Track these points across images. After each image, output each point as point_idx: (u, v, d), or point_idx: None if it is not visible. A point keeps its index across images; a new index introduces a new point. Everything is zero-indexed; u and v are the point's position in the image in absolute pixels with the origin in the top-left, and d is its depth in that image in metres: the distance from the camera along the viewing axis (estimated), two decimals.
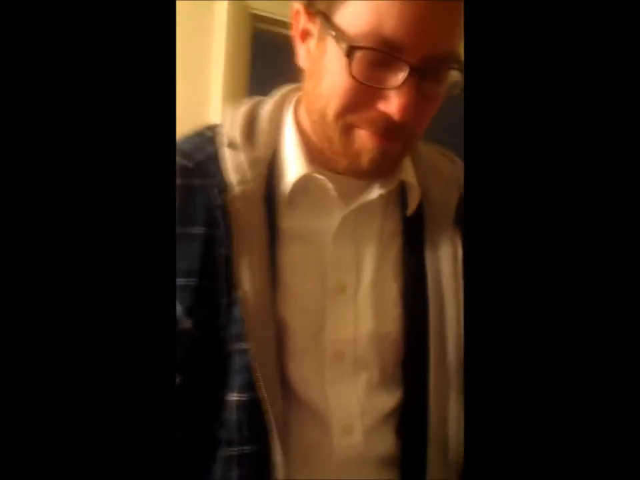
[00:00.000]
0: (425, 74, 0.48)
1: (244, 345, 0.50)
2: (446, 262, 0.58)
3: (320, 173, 0.55)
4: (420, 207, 0.59)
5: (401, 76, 0.48)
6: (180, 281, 0.50)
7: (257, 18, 1.24)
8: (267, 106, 0.59)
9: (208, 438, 0.52)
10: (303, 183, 0.55)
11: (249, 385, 0.50)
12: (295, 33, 0.55)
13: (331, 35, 0.49)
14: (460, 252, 0.58)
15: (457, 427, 0.57)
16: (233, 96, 1.16)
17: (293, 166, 0.56)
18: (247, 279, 0.51)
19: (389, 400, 0.57)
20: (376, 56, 0.48)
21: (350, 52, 0.48)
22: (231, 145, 0.55)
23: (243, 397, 0.51)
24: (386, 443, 0.57)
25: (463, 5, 0.47)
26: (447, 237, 0.59)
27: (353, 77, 0.48)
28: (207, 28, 1.17)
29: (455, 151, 0.65)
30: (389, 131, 0.50)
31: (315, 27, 0.52)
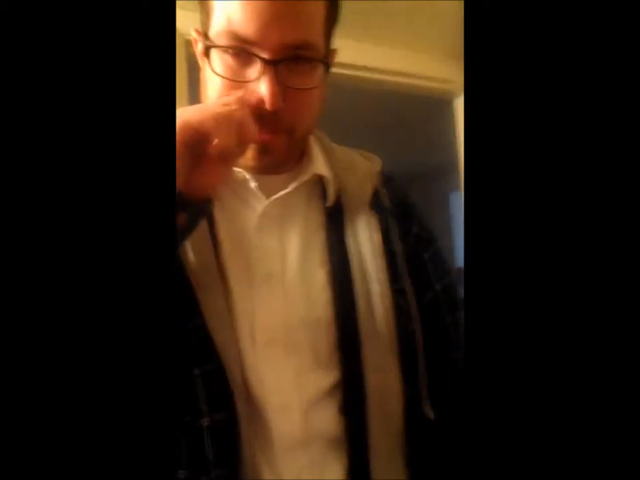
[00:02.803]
0: (283, 65, 0.53)
1: (199, 320, 0.55)
2: (366, 245, 0.63)
3: (239, 168, 0.61)
4: (339, 199, 0.65)
5: (257, 68, 0.53)
6: None
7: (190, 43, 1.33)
8: None
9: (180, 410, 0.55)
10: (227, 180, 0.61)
11: (209, 356, 0.55)
12: (197, 58, 0.62)
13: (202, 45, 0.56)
14: (377, 234, 0.63)
15: (395, 399, 0.60)
16: None
17: None
18: (192, 258, 0.57)
19: (325, 380, 0.60)
20: (233, 52, 0.54)
21: (207, 51, 0.55)
22: None
23: (207, 367, 0.55)
24: (328, 422, 0.60)
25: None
26: (364, 222, 0.64)
27: (215, 73, 0.54)
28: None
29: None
30: (262, 124, 0.54)
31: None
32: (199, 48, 0.61)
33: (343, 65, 1.44)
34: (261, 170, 0.61)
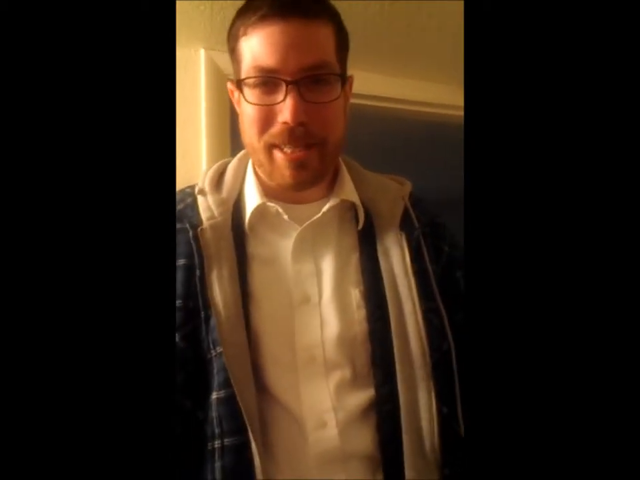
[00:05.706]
0: (302, 84, 0.60)
1: (219, 349, 0.59)
2: (397, 263, 0.66)
3: (272, 202, 0.66)
4: (371, 221, 0.69)
5: (282, 90, 0.60)
6: None
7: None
8: (233, 161, 0.74)
9: (199, 436, 0.59)
10: (260, 212, 0.67)
11: (225, 383, 0.58)
12: (234, 105, 0.69)
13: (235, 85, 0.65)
14: (407, 254, 0.66)
15: (428, 416, 0.61)
16: (217, 155, 1.22)
17: (251, 200, 0.68)
18: (217, 292, 0.61)
19: (362, 397, 0.63)
20: (259, 81, 0.61)
21: (239, 84, 0.63)
22: (201, 192, 0.69)
23: (221, 393, 0.58)
24: (365, 439, 0.62)
25: (322, 24, 0.61)
26: (395, 243, 0.67)
27: (249, 102, 0.62)
28: (188, 95, 1.24)
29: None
30: (293, 138, 0.61)
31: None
32: (235, 96, 0.68)
33: (376, 98, 1.46)
34: (298, 187, 0.65)
